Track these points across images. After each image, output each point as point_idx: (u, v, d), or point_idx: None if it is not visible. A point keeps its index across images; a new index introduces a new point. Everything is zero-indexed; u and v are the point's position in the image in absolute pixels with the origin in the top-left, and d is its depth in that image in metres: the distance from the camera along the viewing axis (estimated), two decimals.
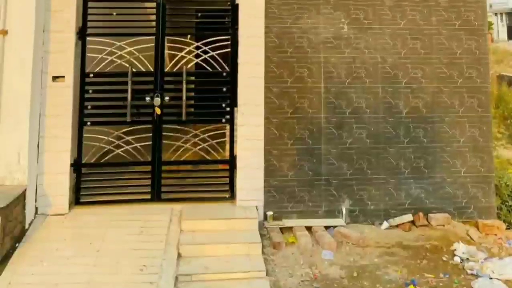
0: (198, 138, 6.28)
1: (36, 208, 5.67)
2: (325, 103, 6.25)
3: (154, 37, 6.31)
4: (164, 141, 6.14)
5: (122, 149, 6.09)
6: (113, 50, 6.19)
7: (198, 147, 6.23)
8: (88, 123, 6.13)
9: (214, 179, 6.26)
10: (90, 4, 6.23)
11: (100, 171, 6.17)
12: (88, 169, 6.09)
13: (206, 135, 6.28)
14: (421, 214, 6.21)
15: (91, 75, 6.18)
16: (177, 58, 6.29)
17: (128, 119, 6.13)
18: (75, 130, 5.99)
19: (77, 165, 5.97)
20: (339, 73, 6.36)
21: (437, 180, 6.34)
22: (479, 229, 6.06)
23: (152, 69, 6.23)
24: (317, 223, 6.05)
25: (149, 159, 6.14)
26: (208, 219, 5.68)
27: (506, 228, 5.96)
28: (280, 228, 5.93)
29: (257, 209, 5.93)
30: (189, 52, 6.37)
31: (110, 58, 6.13)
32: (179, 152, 6.16)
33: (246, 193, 6.01)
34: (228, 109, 6.29)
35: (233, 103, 6.24)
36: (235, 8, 6.37)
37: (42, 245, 5.02)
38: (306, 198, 6.17)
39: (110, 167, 6.16)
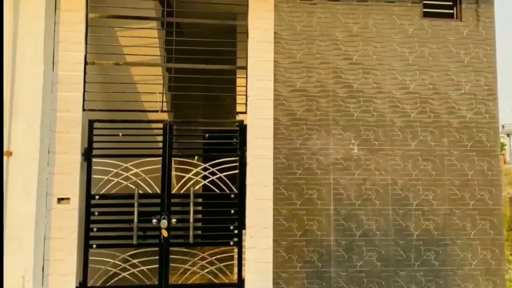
0: (205, 261, 7.82)
1: None
2: (334, 225, 7.81)
3: (161, 158, 7.94)
4: (171, 264, 7.67)
5: (128, 272, 7.62)
6: (119, 171, 7.80)
7: (206, 270, 7.78)
8: (94, 245, 7.66)
9: None
10: (96, 125, 7.86)
11: None
12: None
13: (214, 258, 7.85)
14: None
15: (97, 197, 7.77)
16: (184, 179, 7.94)
17: (135, 241, 7.63)
18: (81, 252, 7.48)
19: None
20: (349, 195, 7.96)
21: None
22: None
23: (159, 191, 7.84)
24: None
25: (156, 282, 7.62)
26: None
27: None
28: None
29: None
30: (197, 174, 8.01)
31: (116, 180, 7.77)
32: (186, 275, 7.68)
33: None
34: (236, 231, 7.84)
35: (241, 225, 7.81)
36: (243, 129, 8.03)
37: None
38: None
39: None
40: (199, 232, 7.98)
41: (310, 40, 8.41)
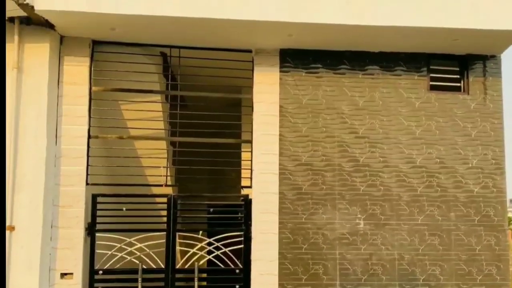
0: None
1: None
2: None
3: (165, 233, 8.96)
4: None
5: None
6: (123, 246, 8.72)
7: None
8: None
9: None
10: (99, 199, 8.82)
11: None
12: None
13: None
14: None
15: (101, 272, 8.73)
16: (188, 254, 8.91)
17: None
18: None
19: None
20: (355, 270, 8.97)
21: None
22: None
23: (163, 266, 8.80)
24: None
25: None
26: None
27: None
28: None
29: None
30: (201, 248, 8.98)
31: (120, 255, 8.65)
32: None
33: None
34: None
35: None
36: (248, 203, 9.03)
37: None
38: None
39: None
40: None
41: (316, 114, 9.35)
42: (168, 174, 9.19)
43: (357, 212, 9.27)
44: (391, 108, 9.45)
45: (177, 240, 9.09)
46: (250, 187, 9.08)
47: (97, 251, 8.81)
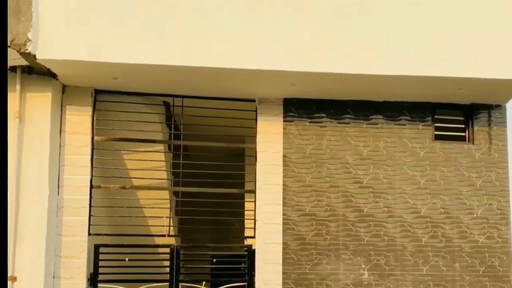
0: None
1: None
2: None
3: (167, 283, 9.01)
4: None
5: None
6: None
7: None
8: None
9: None
10: (101, 250, 8.97)
11: None
12: None
13: None
14: None
15: None
16: None
17: None
18: None
19: None
20: None
21: None
22: None
23: None
24: None
25: None
26: None
27: None
28: None
29: None
30: None
31: None
32: None
33: None
34: None
35: None
36: (251, 253, 9.17)
37: None
38: None
39: None
40: None
41: (320, 163, 9.39)
42: (171, 224, 9.37)
43: (361, 263, 9.32)
44: (395, 158, 9.50)
45: None
46: (253, 237, 9.18)
47: None
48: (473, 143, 9.67)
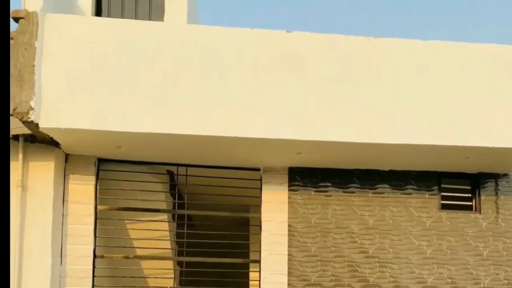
0: None
1: None
2: None
3: None
4: None
5: None
6: None
7: None
8: None
9: None
10: None
11: None
12: None
13: None
14: None
15: None
16: None
17: None
18: None
19: None
20: None
21: None
22: None
23: None
24: None
25: None
26: None
27: None
28: None
29: None
30: None
31: None
32: None
33: None
34: None
35: None
36: None
37: None
38: None
39: None
40: None
41: (325, 233, 9.34)
42: None
43: None
44: (401, 227, 9.48)
45: None
46: None
47: None
48: (480, 213, 9.72)
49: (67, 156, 8.81)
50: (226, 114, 7.80)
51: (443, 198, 9.66)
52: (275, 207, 9.30)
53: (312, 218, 9.33)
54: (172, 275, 9.63)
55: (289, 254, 9.19)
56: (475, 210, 9.69)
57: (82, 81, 7.51)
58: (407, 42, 8.20)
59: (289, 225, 9.28)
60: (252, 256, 9.62)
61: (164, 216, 9.94)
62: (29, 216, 8.33)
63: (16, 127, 7.47)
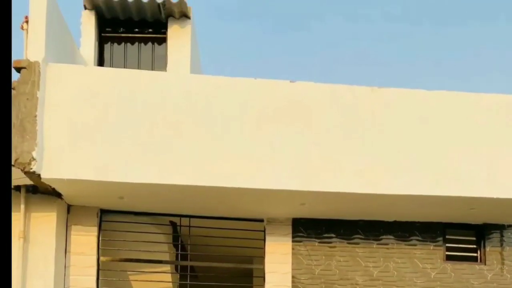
0: None
1: None
2: None
3: None
4: None
5: None
6: None
7: None
8: None
9: None
10: None
11: None
12: None
13: None
14: None
15: None
16: None
17: None
18: None
19: None
20: None
21: None
22: None
23: None
24: None
25: None
26: None
27: None
28: None
29: None
30: None
31: None
32: None
33: None
34: None
35: None
36: None
37: None
38: None
39: None
40: None
41: (329, 284, 9.08)
42: None
43: None
44: (406, 279, 9.20)
45: None
46: None
47: None
48: (485, 264, 9.46)
49: (69, 207, 8.63)
50: (229, 165, 7.67)
51: (448, 249, 9.44)
52: (279, 258, 9.10)
53: (316, 269, 9.12)
54: None
55: None
56: (480, 261, 9.45)
57: (84, 131, 7.40)
58: (411, 92, 8.09)
59: (293, 277, 9.05)
60: None
61: (167, 267, 9.70)
62: (31, 267, 8.10)
63: (18, 177, 7.33)
